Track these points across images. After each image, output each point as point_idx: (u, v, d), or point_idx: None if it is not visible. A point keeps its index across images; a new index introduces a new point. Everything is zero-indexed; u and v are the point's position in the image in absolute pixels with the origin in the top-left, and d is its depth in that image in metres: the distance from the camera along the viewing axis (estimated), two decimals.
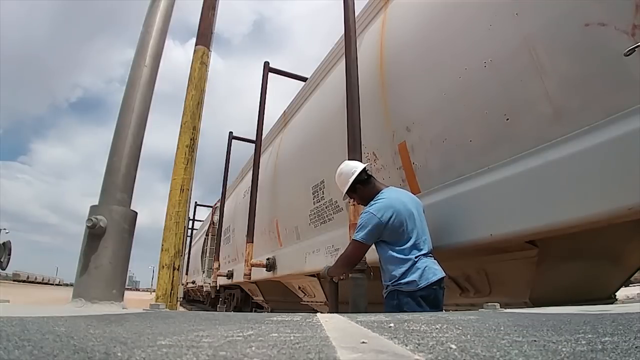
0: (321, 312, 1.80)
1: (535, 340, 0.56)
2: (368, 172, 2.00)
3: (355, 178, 1.96)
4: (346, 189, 2.00)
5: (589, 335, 0.59)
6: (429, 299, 1.71)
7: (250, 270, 4.62)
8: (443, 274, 1.76)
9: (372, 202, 1.87)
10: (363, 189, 1.98)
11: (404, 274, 1.72)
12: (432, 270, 1.73)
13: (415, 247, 1.76)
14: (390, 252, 1.79)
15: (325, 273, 2.19)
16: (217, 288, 8.36)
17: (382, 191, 1.93)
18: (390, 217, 1.77)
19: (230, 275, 6.71)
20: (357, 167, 2.00)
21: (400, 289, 1.73)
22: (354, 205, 2.31)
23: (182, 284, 13.04)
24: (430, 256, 1.80)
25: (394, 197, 1.86)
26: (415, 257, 1.73)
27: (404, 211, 1.81)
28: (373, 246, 1.86)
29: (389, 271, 1.79)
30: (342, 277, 2.34)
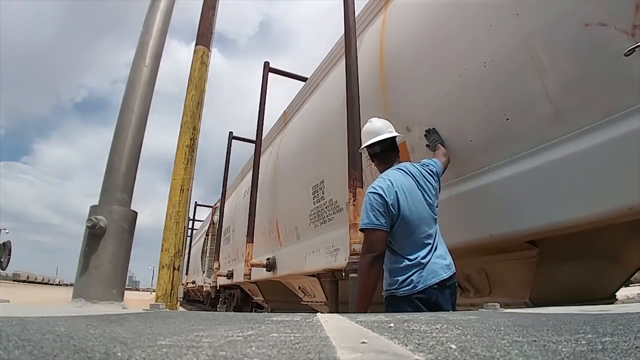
0: (321, 312, 1.79)
1: (535, 340, 0.56)
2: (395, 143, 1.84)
3: (379, 143, 1.78)
4: (363, 145, 1.86)
5: (589, 335, 0.59)
6: (429, 301, 1.54)
7: (250, 270, 4.63)
8: (444, 275, 1.56)
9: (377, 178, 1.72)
10: (382, 157, 1.81)
11: (400, 279, 1.56)
12: (432, 271, 1.55)
13: (415, 242, 1.58)
14: (388, 253, 1.63)
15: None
16: (217, 288, 8.38)
17: (392, 167, 1.76)
18: (392, 197, 1.58)
19: (230, 275, 6.72)
20: (386, 131, 1.80)
21: (396, 294, 1.58)
22: (353, 205, 2.31)
23: (182, 284, 13.02)
24: (437, 250, 1.61)
25: (399, 178, 1.66)
26: (413, 257, 1.57)
27: (404, 194, 1.60)
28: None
29: (386, 276, 1.66)
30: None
